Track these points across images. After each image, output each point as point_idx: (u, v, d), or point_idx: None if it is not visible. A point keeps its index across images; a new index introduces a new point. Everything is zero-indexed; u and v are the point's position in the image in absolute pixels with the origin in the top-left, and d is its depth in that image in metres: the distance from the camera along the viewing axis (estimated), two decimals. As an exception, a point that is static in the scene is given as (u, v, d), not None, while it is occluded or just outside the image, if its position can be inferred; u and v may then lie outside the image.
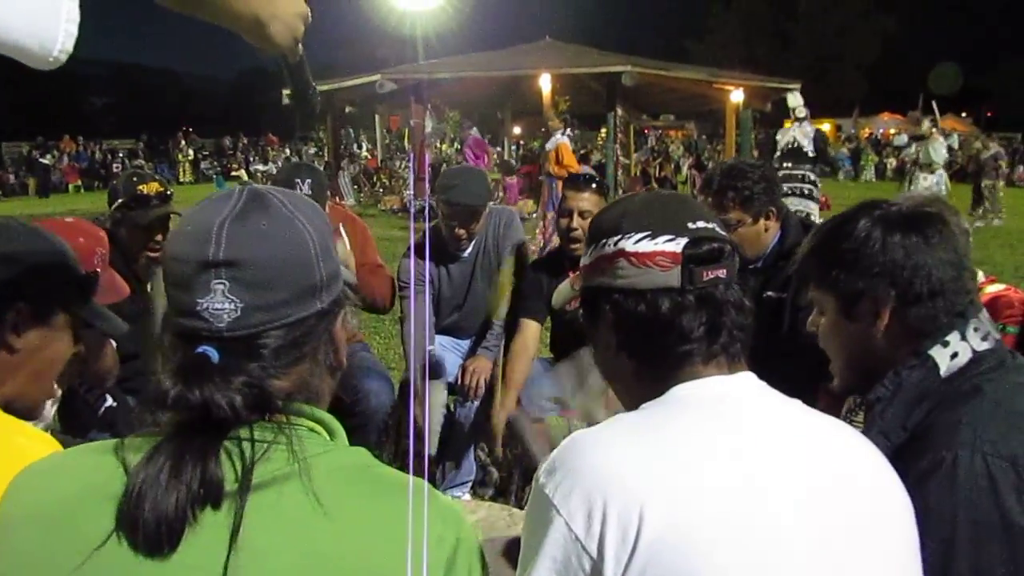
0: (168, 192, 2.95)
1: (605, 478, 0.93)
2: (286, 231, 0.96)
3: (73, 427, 2.71)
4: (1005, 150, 28.12)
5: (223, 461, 0.86)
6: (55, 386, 1.42)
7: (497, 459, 3.74)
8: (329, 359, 1.03)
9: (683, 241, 1.08)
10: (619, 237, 1.11)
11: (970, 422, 1.23)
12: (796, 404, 1.08)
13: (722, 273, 1.09)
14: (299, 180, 3.06)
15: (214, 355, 0.90)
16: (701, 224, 1.11)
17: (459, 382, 3.36)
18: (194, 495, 0.84)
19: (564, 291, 1.31)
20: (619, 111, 16.14)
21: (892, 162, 29.02)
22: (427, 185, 12.56)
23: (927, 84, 32.62)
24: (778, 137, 8.78)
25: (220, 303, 0.91)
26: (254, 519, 0.85)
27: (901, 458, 1.17)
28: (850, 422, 2.00)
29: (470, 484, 3.49)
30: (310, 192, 3.03)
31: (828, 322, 1.46)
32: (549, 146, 12.12)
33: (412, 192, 11.39)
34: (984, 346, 1.34)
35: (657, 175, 20.87)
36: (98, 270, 2.33)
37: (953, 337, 1.33)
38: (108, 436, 2.67)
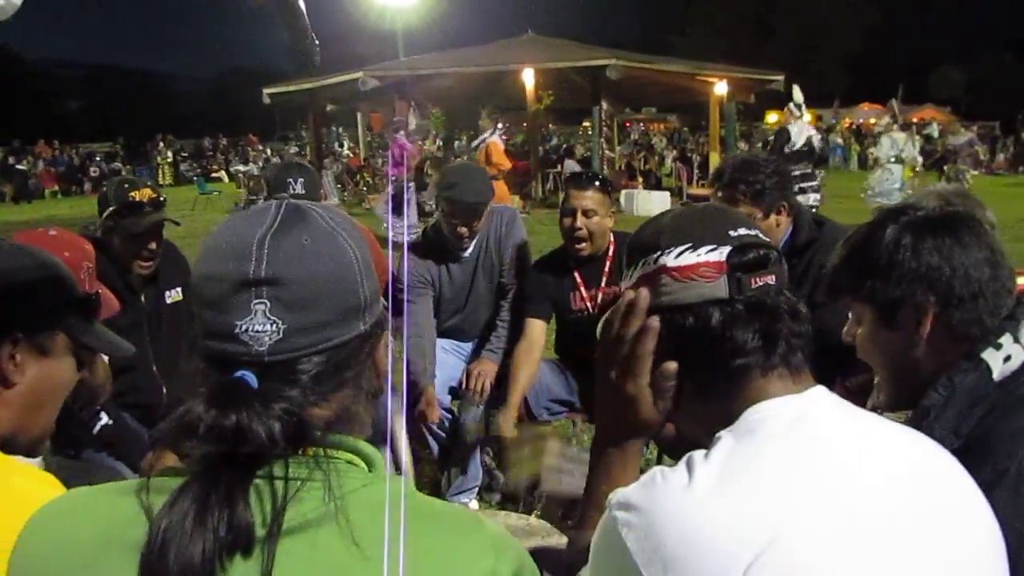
0: (161, 198, 2.85)
1: (695, 544, 0.85)
2: (329, 247, 0.89)
3: (66, 446, 2.60)
4: (984, 139, 28.45)
5: (253, 502, 0.78)
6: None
7: (503, 463, 3.68)
8: (371, 385, 0.95)
9: (726, 249, 1.03)
10: (659, 253, 1.06)
11: None
12: (872, 418, 1.02)
13: (771, 279, 1.03)
14: (291, 180, 2.98)
15: (252, 381, 0.82)
16: (743, 231, 1.06)
17: (463, 386, 3.28)
18: (222, 543, 0.75)
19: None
20: (604, 105, 16.13)
21: (873, 152, 29.22)
22: (406, 178, 12.45)
23: (906, 75, 32.83)
24: (794, 138, 8.62)
25: (261, 324, 0.84)
26: (287, 566, 0.77)
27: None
28: (877, 416, 1.96)
29: (476, 490, 3.42)
30: (303, 191, 2.95)
31: (866, 332, 1.41)
32: (477, 145, 11.98)
33: (392, 192, 11.25)
34: None
35: (642, 168, 20.86)
36: (86, 287, 2.23)
37: (1006, 339, 1.29)
38: (105, 455, 2.60)
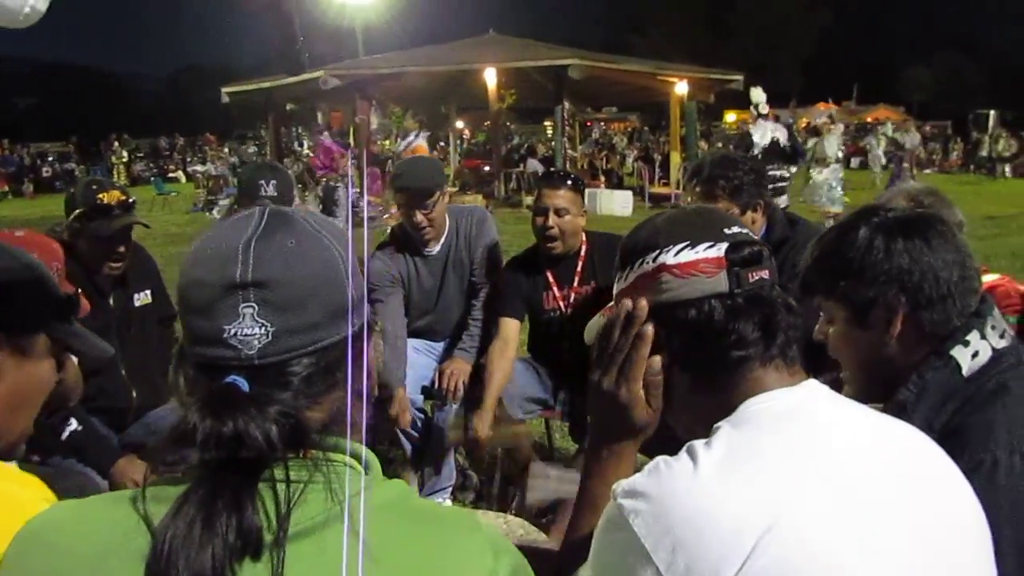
0: (130, 200, 2.80)
1: (702, 527, 0.87)
2: (314, 249, 0.89)
3: (35, 452, 2.55)
4: (937, 138, 29.08)
5: (258, 507, 0.78)
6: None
7: (476, 463, 3.68)
8: (362, 386, 0.95)
9: (724, 246, 1.06)
10: (657, 252, 1.08)
11: (1004, 422, 1.24)
12: (862, 409, 1.05)
13: (765, 275, 1.06)
14: (263, 182, 2.94)
15: (244, 385, 0.82)
16: (736, 229, 1.09)
17: (435, 385, 3.27)
18: (231, 548, 0.75)
19: (597, 324, 1.23)
20: (566, 104, 16.19)
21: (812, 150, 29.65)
22: (366, 182, 12.38)
23: (861, 75, 33.46)
24: (756, 138, 8.56)
25: (250, 328, 0.84)
26: (297, 570, 0.77)
27: None
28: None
29: (450, 490, 3.41)
30: (275, 193, 2.91)
31: (838, 331, 1.45)
32: (402, 148, 11.93)
33: (355, 190, 11.14)
34: (1002, 344, 1.35)
35: (604, 167, 20.99)
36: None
37: (973, 336, 1.34)
38: (75, 461, 2.56)
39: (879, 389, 1.43)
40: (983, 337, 1.34)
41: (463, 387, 3.20)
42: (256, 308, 0.84)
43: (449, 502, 3.36)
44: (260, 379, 0.83)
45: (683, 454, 0.95)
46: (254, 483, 0.79)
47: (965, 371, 1.32)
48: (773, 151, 8.35)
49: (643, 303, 1.08)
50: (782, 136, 8.46)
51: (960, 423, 1.29)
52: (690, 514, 0.87)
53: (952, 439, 1.23)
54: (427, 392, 3.37)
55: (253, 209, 0.93)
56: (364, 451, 0.90)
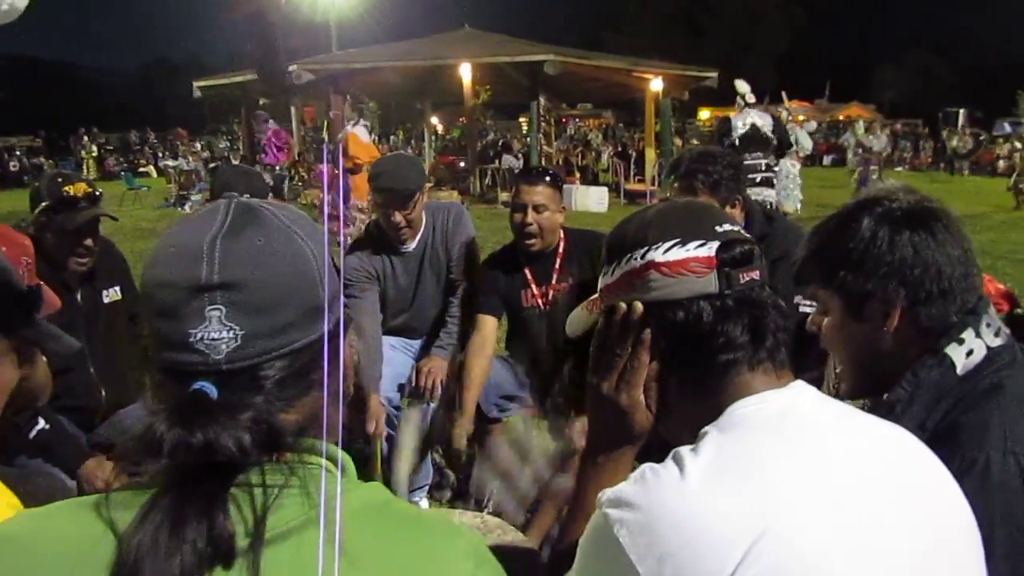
0: (97, 193, 2.73)
1: (690, 535, 0.84)
2: (285, 246, 0.85)
3: (1, 452, 2.49)
4: (908, 136, 29.42)
5: (232, 511, 0.74)
6: None
7: (453, 462, 3.65)
8: (338, 387, 0.92)
9: (715, 245, 1.03)
10: (646, 248, 1.05)
11: (998, 422, 1.21)
12: (852, 410, 1.03)
13: (756, 275, 1.04)
14: (235, 193, 2.87)
15: (212, 391, 0.78)
16: (728, 227, 1.06)
17: (413, 383, 3.24)
18: (201, 555, 0.71)
19: (579, 318, 1.19)
20: (541, 100, 16.18)
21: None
22: (342, 179, 12.30)
23: (833, 73, 33.76)
24: (736, 123, 8.42)
25: (217, 331, 0.80)
26: (273, 574, 0.73)
27: None
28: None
29: (427, 488, 3.38)
30: None
31: (833, 323, 1.42)
32: (340, 136, 11.82)
33: (326, 186, 11.04)
34: (997, 342, 1.32)
35: (579, 164, 21.01)
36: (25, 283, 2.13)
37: (968, 334, 1.31)
38: (42, 461, 2.50)
39: (870, 383, 1.42)
40: (978, 335, 1.31)
41: (440, 385, 3.17)
42: (223, 311, 0.80)
43: (426, 501, 3.33)
44: (230, 384, 0.80)
45: (669, 461, 0.93)
46: (226, 488, 0.75)
47: (959, 369, 1.30)
48: (753, 139, 8.23)
49: (639, 306, 1.05)
50: (766, 124, 8.32)
51: (953, 422, 1.26)
52: (677, 523, 0.85)
53: (945, 438, 1.22)
54: (404, 390, 3.33)
55: (219, 202, 0.88)
56: (340, 454, 0.87)
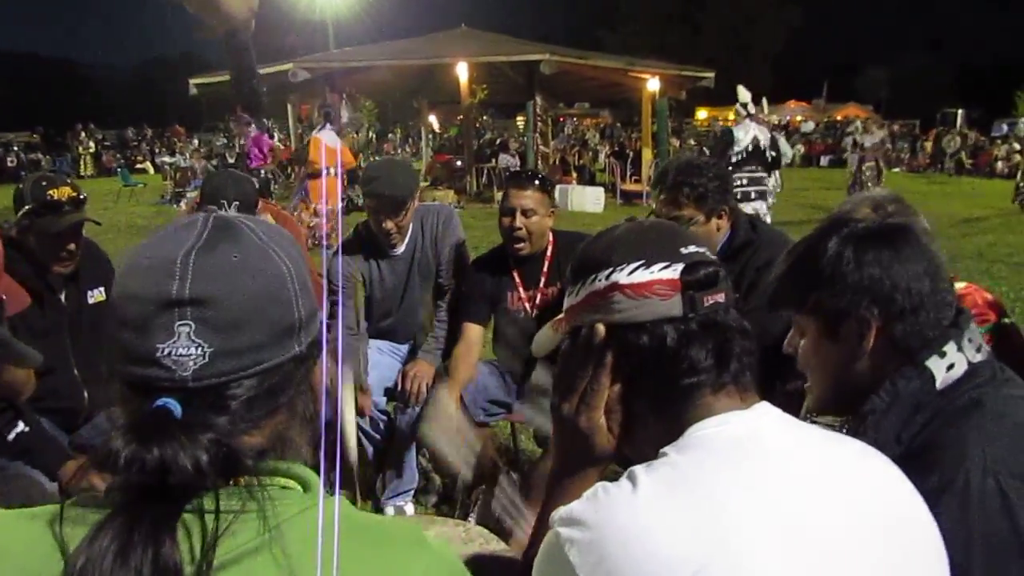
0: (82, 197, 2.70)
1: (638, 554, 0.83)
2: (260, 263, 0.83)
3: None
4: (905, 137, 29.42)
5: (181, 538, 0.73)
6: None
7: (439, 466, 3.63)
8: (308, 409, 0.90)
9: (679, 267, 1.02)
10: (610, 270, 1.04)
11: (977, 440, 1.19)
12: (817, 432, 1.01)
13: (721, 298, 1.03)
14: (224, 200, 2.84)
15: (176, 409, 0.77)
16: (693, 248, 1.05)
17: (399, 387, 3.22)
18: None
19: (546, 337, 1.18)
20: (538, 99, 16.15)
21: (801, 148, 29.96)
22: (339, 179, 12.28)
23: (831, 74, 33.78)
24: (739, 135, 8.36)
25: (185, 348, 0.78)
26: None
27: None
28: (811, 421, 1.97)
29: (412, 492, 3.36)
30: (237, 212, 2.82)
31: (809, 344, 1.41)
32: (305, 142, 11.81)
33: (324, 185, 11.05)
34: (978, 357, 1.31)
35: (576, 163, 20.97)
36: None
37: (949, 348, 1.30)
38: (20, 464, 2.48)
39: (848, 403, 1.40)
40: (960, 349, 1.30)
41: (426, 390, 3.15)
42: (193, 327, 0.78)
43: (411, 505, 3.32)
44: (195, 402, 0.78)
45: (623, 479, 0.92)
46: (176, 513, 0.74)
47: (939, 383, 1.29)
48: (755, 154, 8.23)
49: (601, 329, 1.04)
50: (764, 139, 8.30)
51: (930, 438, 1.25)
52: (626, 542, 0.84)
53: (922, 456, 1.21)
54: (390, 394, 3.32)
55: (197, 216, 0.87)
56: (303, 470, 0.85)
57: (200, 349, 0.78)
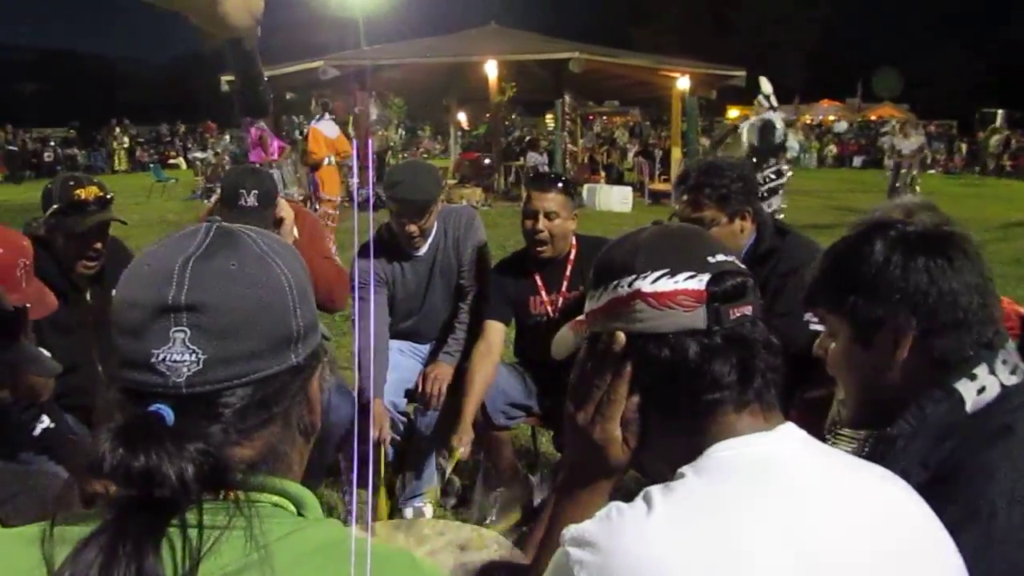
0: (108, 196, 2.74)
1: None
2: (259, 273, 0.84)
3: (5, 448, 2.52)
4: (941, 138, 28.94)
5: (166, 554, 0.72)
6: None
7: (458, 468, 3.63)
8: (303, 421, 0.90)
9: (705, 277, 0.99)
10: (633, 277, 1.01)
11: (1006, 468, 1.15)
12: (841, 459, 0.99)
13: (748, 310, 1.00)
14: (243, 191, 2.85)
15: (168, 415, 0.76)
16: (721, 257, 1.02)
17: (419, 389, 3.22)
18: None
19: (565, 339, 1.16)
20: (566, 97, 16.10)
21: (833, 149, 29.60)
22: (371, 173, 12.29)
23: (865, 73, 33.30)
24: (775, 121, 8.18)
25: (179, 354, 0.78)
26: None
27: (925, 499, 1.09)
28: (834, 435, 1.93)
29: (431, 494, 3.36)
30: (256, 204, 2.83)
31: (840, 349, 1.35)
32: (305, 132, 11.80)
33: (356, 182, 11.09)
34: (1013, 380, 1.24)
35: (604, 162, 20.89)
36: (22, 286, 2.15)
37: (981, 370, 1.24)
38: (44, 459, 2.51)
39: (874, 414, 1.35)
40: (992, 372, 1.24)
41: (445, 392, 3.15)
42: (188, 333, 0.78)
43: (430, 507, 3.31)
44: (187, 410, 0.78)
45: (638, 501, 0.90)
46: (161, 529, 0.73)
47: (969, 407, 1.23)
48: (773, 148, 8.08)
49: (621, 338, 1.01)
50: (780, 129, 8.13)
51: (958, 464, 1.19)
52: (636, 569, 0.82)
53: (948, 481, 1.17)
54: (410, 395, 3.32)
55: (200, 225, 0.87)
56: (298, 489, 0.85)
57: (194, 356, 0.78)
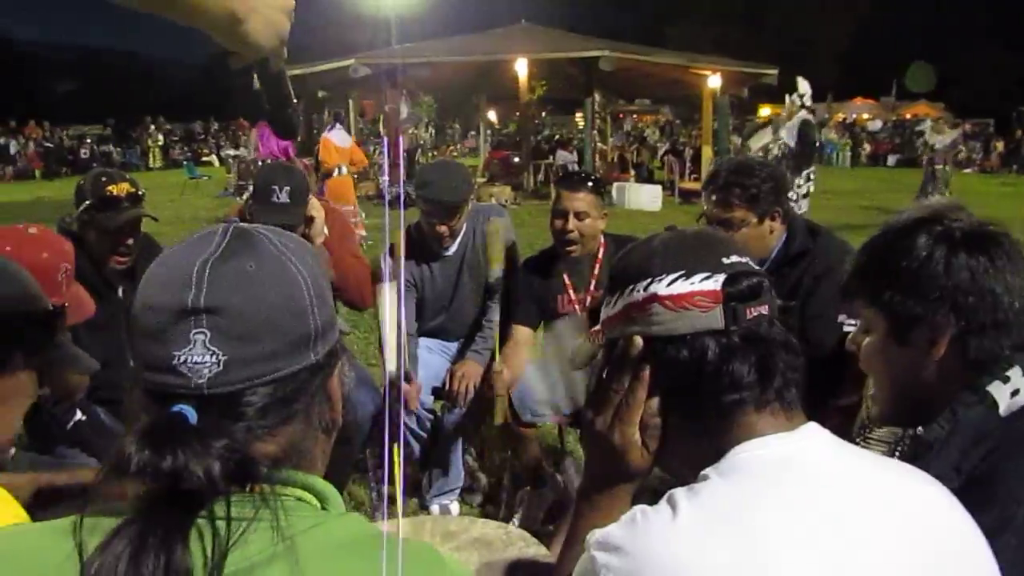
0: (140, 193, 2.77)
1: None
2: (276, 274, 0.84)
3: (40, 441, 2.56)
4: (978, 136, 28.46)
5: (194, 545, 0.73)
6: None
7: (485, 465, 3.64)
8: (324, 418, 0.91)
9: (721, 278, 0.98)
10: (649, 281, 1.00)
11: None
12: (867, 458, 0.97)
13: (764, 310, 0.99)
14: (276, 187, 2.87)
15: (191, 415, 0.77)
16: (735, 258, 1.01)
17: (446, 387, 3.23)
18: None
19: (583, 350, 1.17)
20: (596, 96, 16.04)
21: (867, 148, 29.24)
22: (402, 171, 12.36)
23: (900, 70, 32.83)
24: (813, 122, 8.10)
25: (200, 355, 0.79)
26: None
27: None
28: (864, 438, 1.91)
29: (458, 491, 3.37)
30: (288, 200, 2.84)
31: (875, 344, 1.33)
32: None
33: (387, 179, 11.16)
34: None
35: (634, 161, 20.81)
36: (63, 290, 2.18)
37: (1015, 372, 1.21)
38: (78, 452, 2.55)
39: (907, 412, 1.34)
40: None
41: (473, 391, 3.16)
42: (208, 335, 0.79)
43: (456, 504, 3.32)
44: (210, 409, 0.79)
45: (663, 504, 0.89)
46: (190, 520, 0.74)
47: (1003, 410, 1.20)
48: (812, 151, 7.99)
49: (638, 342, 1.01)
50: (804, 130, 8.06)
51: (992, 468, 1.17)
52: (663, 570, 0.82)
53: (981, 487, 1.14)
54: (438, 393, 3.33)
55: (217, 226, 0.88)
56: (322, 484, 0.86)
57: (215, 357, 0.79)
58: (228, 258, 0.83)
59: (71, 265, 2.21)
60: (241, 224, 0.90)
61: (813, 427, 0.98)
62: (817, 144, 8.19)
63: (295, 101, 1.12)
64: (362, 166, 10.74)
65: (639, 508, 0.90)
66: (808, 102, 8.65)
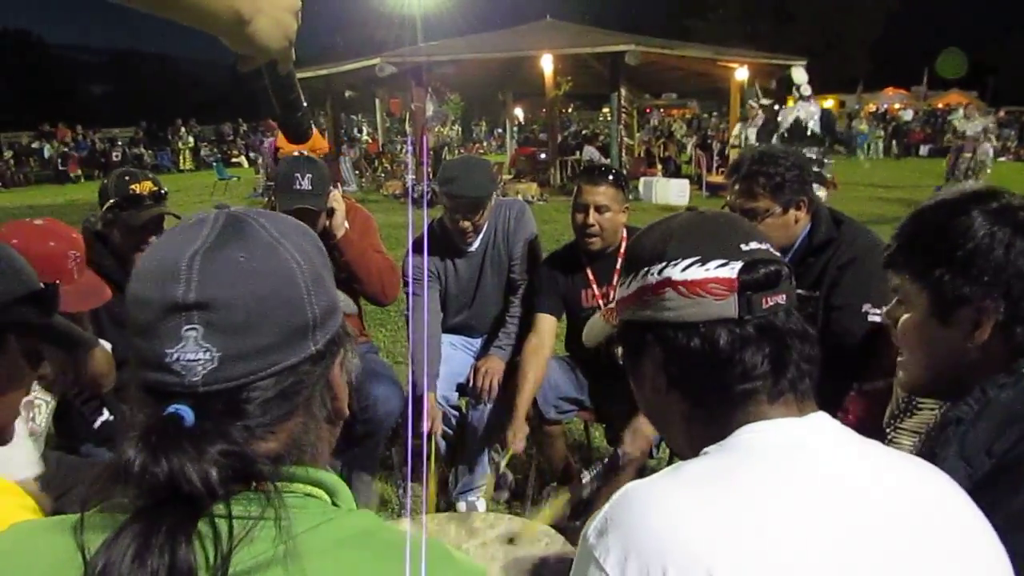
0: (162, 191, 2.80)
1: (664, 542, 0.80)
2: (269, 262, 0.81)
3: (67, 439, 2.60)
4: (1011, 125, 27.92)
5: (198, 544, 0.72)
6: (22, 404, 1.28)
7: (511, 462, 3.62)
8: (327, 409, 0.88)
9: (737, 265, 0.96)
10: (664, 264, 0.98)
11: None
12: (876, 448, 0.95)
13: (782, 299, 0.97)
14: (298, 175, 2.88)
15: (188, 415, 0.75)
16: (754, 245, 0.99)
17: (471, 383, 3.22)
18: None
19: (597, 327, 1.15)
20: (622, 91, 15.94)
21: (900, 137, 28.79)
22: (427, 170, 12.37)
23: (931, 60, 32.29)
24: (779, 117, 8.20)
25: (193, 353, 0.77)
26: None
27: (984, 489, 1.03)
28: (894, 428, 1.86)
29: (484, 488, 3.36)
30: (310, 187, 2.85)
31: (914, 320, 1.29)
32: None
33: (412, 178, 11.17)
34: None
35: (661, 155, 20.67)
36: (75, 276, 2.20)
37: None
38: (104, 451, 2.58)
39: (937, 385, 1.31)
40: None
41: (497, 386, 3.14)
42: (200, 331, 0.77)
43: (483, 501, 3.31)
44: (208, 408, 0.77)
45: (655, 475, 0.89)
46: (194, 519, 0.73)
47: None
48: (795, 133, 7.91)
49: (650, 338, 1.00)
50: (811, 120, 7.96)
51: (1021, 455, 1.13)
52: (654, 529, 0.82)
53: (1010, 472, 1.11)
54: (462, 389, 3.32)
55: (208, 214, 0.85)
56: (329, 478, 0.84)
57: (208, 354, 0.77)
58: (218, 249, 0.80)
59: (80, 252, 2.24)
60: (233, 210, 0.87)
61: (821, 416, 0.96)
62: (838, 133, 8.18)
63: (305, 104, 1.10)
64: (322, 152, 10.62)
65: (629, 485, 0.89)
66: (807, 92, 8.59)
